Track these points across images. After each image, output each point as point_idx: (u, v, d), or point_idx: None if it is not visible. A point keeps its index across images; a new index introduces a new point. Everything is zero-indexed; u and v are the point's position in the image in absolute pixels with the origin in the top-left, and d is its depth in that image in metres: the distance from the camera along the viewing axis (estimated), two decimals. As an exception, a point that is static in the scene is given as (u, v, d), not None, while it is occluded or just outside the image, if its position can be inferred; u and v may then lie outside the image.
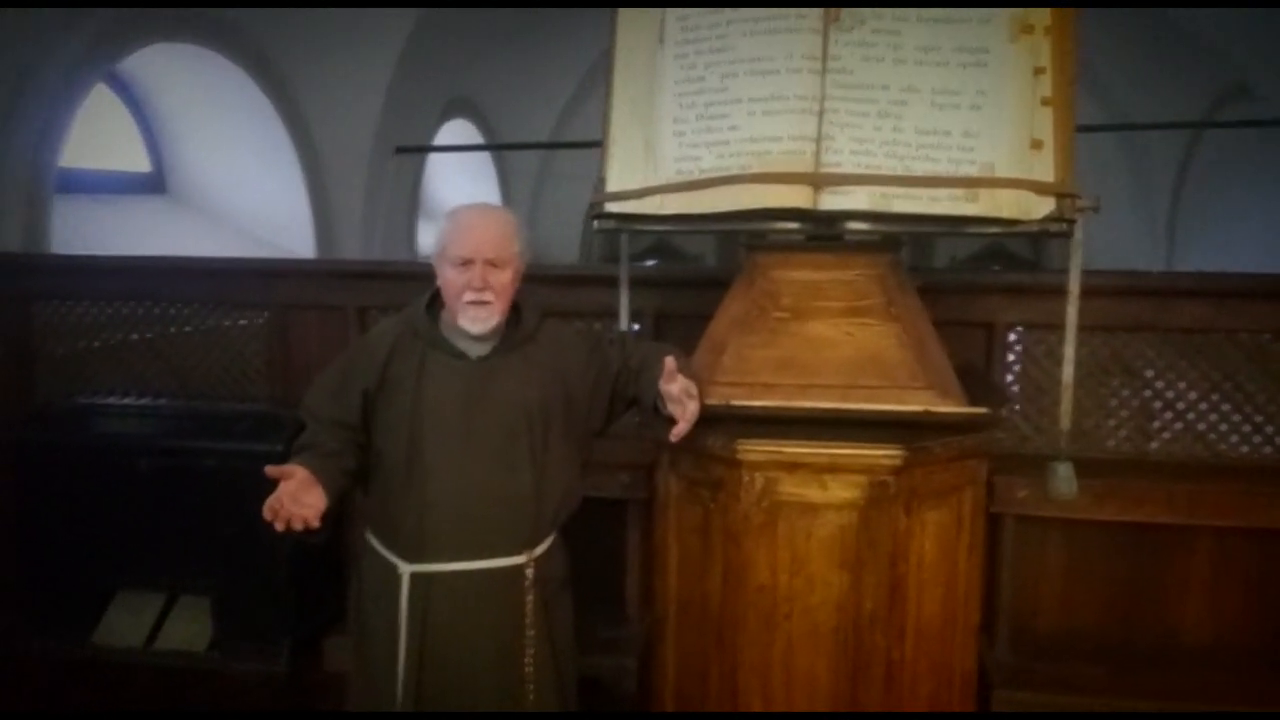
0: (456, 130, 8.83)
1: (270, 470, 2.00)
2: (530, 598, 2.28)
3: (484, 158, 9.81)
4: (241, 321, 4.17)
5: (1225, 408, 3.56)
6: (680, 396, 2.17)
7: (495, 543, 2.25)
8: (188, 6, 5.54)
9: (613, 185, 2.56)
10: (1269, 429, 3.52)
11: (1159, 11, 7.46)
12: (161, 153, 6.74)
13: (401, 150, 7.60)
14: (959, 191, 2.30)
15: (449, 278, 2.24)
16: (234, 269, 4.35)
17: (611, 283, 3.86)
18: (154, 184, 6.70)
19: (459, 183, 9.90)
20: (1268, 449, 3.52)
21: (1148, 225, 9.93)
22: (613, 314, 3.84)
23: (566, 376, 2.32)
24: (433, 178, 9.16)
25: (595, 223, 2.59)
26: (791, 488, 2.34)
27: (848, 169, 2.34)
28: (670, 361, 2.17)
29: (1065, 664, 3.45)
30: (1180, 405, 3.58)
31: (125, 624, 3.81)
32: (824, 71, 2.35)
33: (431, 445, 2.22)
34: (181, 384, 4.20)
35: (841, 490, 2.32)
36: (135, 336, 4.25)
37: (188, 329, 4.21)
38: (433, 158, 8.66)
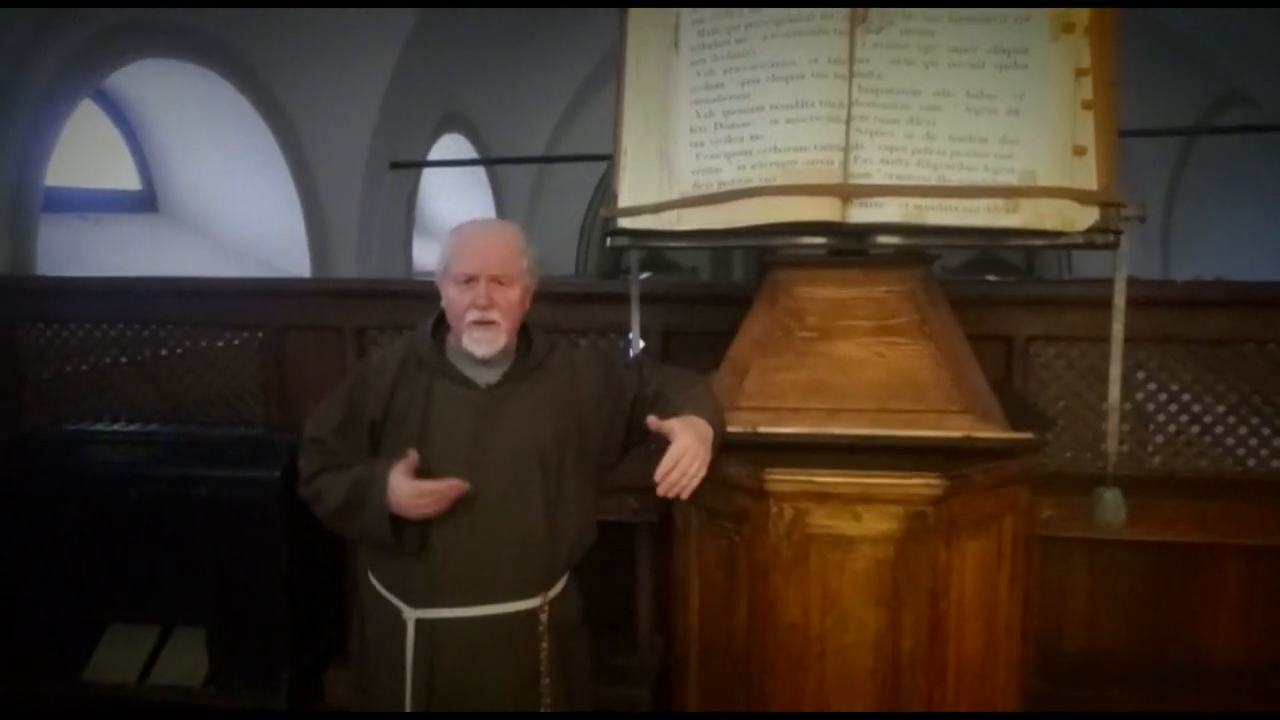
0: (450, 145, 8.71)
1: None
2: (545, 643, 2.13)
3: (478, 172, 9.69)
4: (235, 342, 4.03)
5: (1254, 421, 3.44)
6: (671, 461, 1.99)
7: (507, 586, 2.10)
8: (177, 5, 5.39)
9: (625, 200, 2.41)
10: (1300, 442, 3.40)
11: (1153, 17, 7.35)
12: (152, 170, 6.60)
13: (396, 166, 7.48)
14: (998, 202, 2.16)
15: (452, 297, 2.11)
16: (227, 289, 4.20)
17: (617, 299, 3.75)
18: (144, 202, 6.56)
19: (453, 198, 9.77)
20: (1300, 464, 3.41)
21: (1139, 233, 9.82)
22: (618, 330, 3.72)
23: (581, 407, 2.17)
24: (427, 193, 9.03)
25: (608, 240, 2.44)
26: (823, 519, 2.19)
27: (878, 179, 2.20)
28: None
29: (1094, 688, 3.34)
30: (1208, 419, 3.46)
31: (117, 660, 3.63)
32: (851, 76, 2.21)
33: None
34: (172, 408, 4.08)
35: (877, 522, 2.17)
36: (124, 359, 4.11)
37: (179, 351, 4.07)
38: (427, 173, 8.54)
